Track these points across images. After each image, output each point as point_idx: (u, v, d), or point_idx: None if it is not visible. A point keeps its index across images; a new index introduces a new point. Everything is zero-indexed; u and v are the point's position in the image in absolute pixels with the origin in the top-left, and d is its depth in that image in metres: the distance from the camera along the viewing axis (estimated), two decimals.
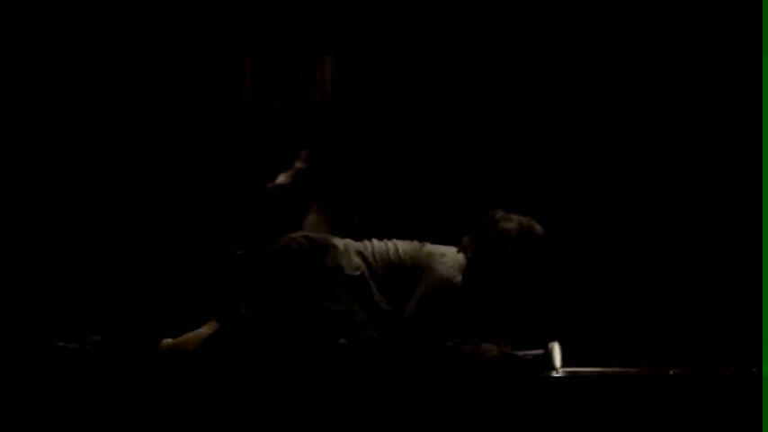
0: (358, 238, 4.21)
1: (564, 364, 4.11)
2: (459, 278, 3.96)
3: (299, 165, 5.69)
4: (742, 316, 4.98)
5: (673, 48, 5.54)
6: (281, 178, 5.61)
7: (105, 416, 3.76)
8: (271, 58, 6.09)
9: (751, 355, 4.15)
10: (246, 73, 6.11)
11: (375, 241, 4.12)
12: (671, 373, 3.97)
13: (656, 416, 3.74)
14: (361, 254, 4.04)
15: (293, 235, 4.14)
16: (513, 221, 4.05)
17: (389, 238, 4.15)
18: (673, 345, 4.97)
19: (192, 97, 5.90)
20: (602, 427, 3.75)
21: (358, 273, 3.98)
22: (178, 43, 5.71)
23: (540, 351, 4.11)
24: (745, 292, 4.92)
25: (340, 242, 4.09)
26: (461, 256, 4.03)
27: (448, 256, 4.01)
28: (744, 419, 3.70)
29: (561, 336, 4.21)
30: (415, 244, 4.09)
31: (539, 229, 4.06)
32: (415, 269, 4.00)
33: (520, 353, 4.09)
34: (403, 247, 4.07)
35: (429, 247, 4.08)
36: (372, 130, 5.84)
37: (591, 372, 4.05)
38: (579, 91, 5.72)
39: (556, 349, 4.11)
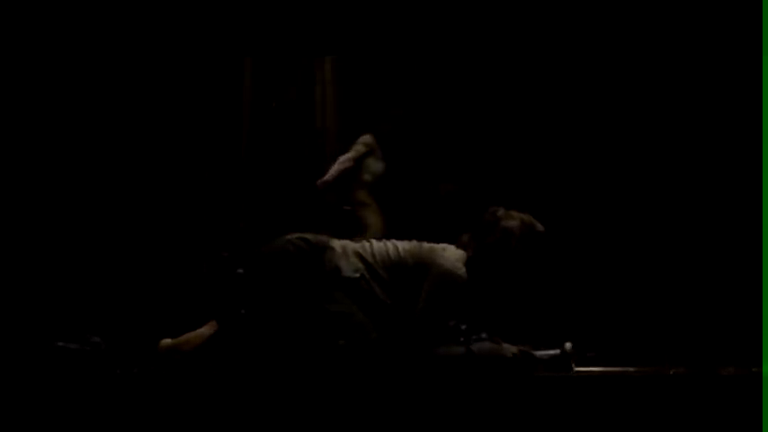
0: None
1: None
2: (464, 270, 3.96)
3: (359, 148, 5.72)
4: (742, 315, 4.98)
5: (673, 48, 5.55)
6: (338, 164, 5.65)
7: (105, 416, 3.76)
8: (271, 58, 6.10)
9: (751, 355, 4.14)
10: (246, 73, 6.13)
11: (374, 241, 4.11)
12: (671, 373, 3.97)
13: (656, 416, 3.74)
14: (359, 255, 4.02)
15: (289, 236, 4.12)
16: (515, 219, 4.04)
17: (388, 238, 4.15)
18: (673, 345, 4.97)
19: (192, 97, 5.91)
20: (602, 426, 3.75)
21: (357, 275, 3.97)
22: (179, 43, 5.72)
23: (557, 351, 4.10)
24: (745, 292, 4.93)
25: (337, 244, 4.08)
26: (462, 252, 4.03)
27: (449, 252, 4.02)
28: (744, 419, 3.70)
29: (559, 336, 4.21)
30: (414, 242, 4.09)
31: (539, 226, 4.06)
32: (419, 266, 3.99)
33: (537, 353, 4.08)
34: (402, 245, 4.06)
35: (428, 244, 4.08)
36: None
37: (591, 371, 4.05)
38: (578, 91, 5.72)
39: (572, 351, 4.10)
